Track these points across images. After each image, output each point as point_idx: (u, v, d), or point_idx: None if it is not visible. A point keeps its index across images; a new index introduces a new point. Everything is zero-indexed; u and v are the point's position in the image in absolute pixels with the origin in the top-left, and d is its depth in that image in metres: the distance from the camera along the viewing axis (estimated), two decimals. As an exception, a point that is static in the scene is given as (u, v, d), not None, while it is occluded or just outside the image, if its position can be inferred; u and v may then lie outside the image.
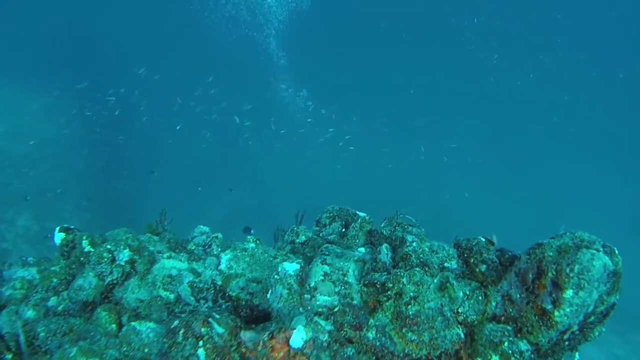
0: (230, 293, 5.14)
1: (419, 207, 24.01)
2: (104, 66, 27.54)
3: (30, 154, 18.28)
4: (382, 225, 5.75)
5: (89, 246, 5.19)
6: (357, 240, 5.51)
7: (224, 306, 5.09)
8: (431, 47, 44.96)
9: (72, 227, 5.67)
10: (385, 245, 4.72)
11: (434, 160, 32.15)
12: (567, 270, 3.64)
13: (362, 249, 4.93)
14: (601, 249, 3.76)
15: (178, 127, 24.90)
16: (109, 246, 5.05)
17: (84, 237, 5.27)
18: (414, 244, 4.72)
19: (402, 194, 27.39)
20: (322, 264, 4.28)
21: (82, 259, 5.19)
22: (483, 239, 4.72)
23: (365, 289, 4.19)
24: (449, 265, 4.58)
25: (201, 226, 6.09)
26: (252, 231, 14.80)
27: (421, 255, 4.55)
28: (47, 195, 17.29)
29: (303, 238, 5.89)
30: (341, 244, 5.54)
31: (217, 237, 5.85)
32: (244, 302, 5.05)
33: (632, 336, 19.18)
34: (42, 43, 25.01)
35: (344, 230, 5.89)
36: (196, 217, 21.57)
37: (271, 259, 5.54)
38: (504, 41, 41.87)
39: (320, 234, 5.96)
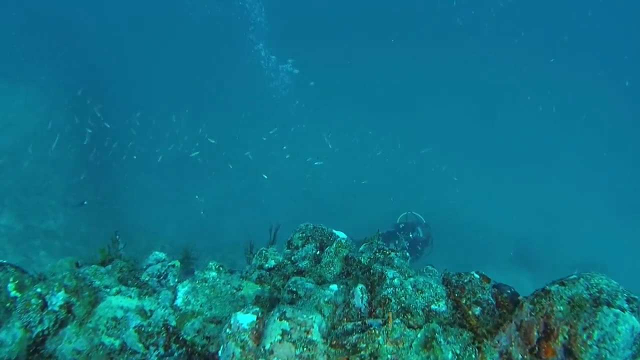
0: (184, 336, 4.27)
1: (409, 194, 23.26)
2: (90, 58, 26.39)
3: (12, 149, 17.28)
4: (361, 248, 4.88)
5: (15, 290, 4.29)
6: (332, 268, 4.64)
7: (176, 354, 4.22)
8: (422, 29, 43.61)
9: (4, 262, 4.73)
10: (360, 287, 3.84)
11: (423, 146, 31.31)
12: (584, 337, 2.78)
13: (335, 287, 4.04)
14: (626, 306, 2.88)
15: (174, 119, 23.98)
16: (39, 289, 4.14)
17: (11, 279, 4.35)
18: (395, 281, 3.86)
19: (392, 181, 26.53)
20: (281, 320, 3.38)
21: (8, 305, 4.28)
22: (477, 275, 3.86)
23: (332, 350, 3.31)
24: (437, 307, 3.72)
25: (157, 252, 5.20)
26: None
27: (403, 299, 3.68)
28: (30, 192, 16.35)
29: (272, 263, 5.03)
30: (313, 272, 4.67)
31: (174, 265, 4.96)
32: (199, 349, 4.19)
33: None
34: (21, 32, 23.78)
35: (318, 252, 5.03)
36: (185, 208, 20.77)
37: (234, 290, 4.68)
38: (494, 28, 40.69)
39: (292, 258, 5.08)
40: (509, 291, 3.79)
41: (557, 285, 3.15)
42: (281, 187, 25.08)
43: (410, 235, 13.20)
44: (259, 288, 4.70)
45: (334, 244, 4.76)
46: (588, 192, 31.40)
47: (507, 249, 21.24)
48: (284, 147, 24.25)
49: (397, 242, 13.20)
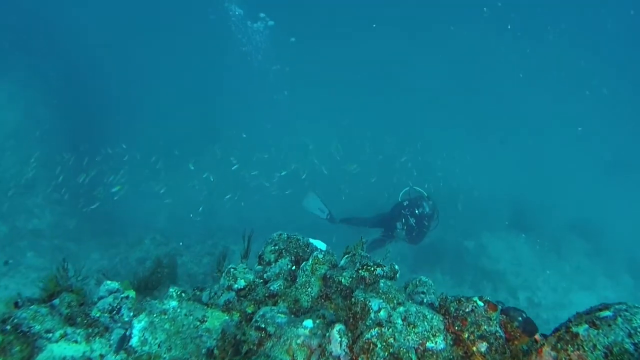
0: (139, 389, 3.51)
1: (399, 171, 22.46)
2: (69, 49, 25.19)
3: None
4: (342, 262, 4.08)
5: None
6: (309, 289, 3.86)
7: (129, 413, 3.46)
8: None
9: None
10: (338, 328, 3.05)
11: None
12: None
13: (309, 324, 3.25)
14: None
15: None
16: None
17: None
18: (382, 313, 3.08)
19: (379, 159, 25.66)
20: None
21: None
22: (481, 303, 3.07)
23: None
24: (433, 345, 2.95)
25: (108, 282, 4.39)
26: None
27: (391, 340, 2.90)
28: (14, 192, 15.47)
29: (242, 283, 4.25)
30: (288, 295, 3.89)
31: (127, 297, 4.15)
32: (156, 404, 3.43)
33: (623, 278, 17.96)
34: None
35: (294, 268, 4.24)
36: (176, 196, 19.94)
37: (198, 323, 3.90)
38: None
39: (264, 276, 4.28)
40: (520, 318, 3.03)
41: (586, 327, 2.37)
42: (271, 168, 24.31)
43: (417, 212, 12.51)
44: (226, 318, 3.92)
45: (310, 260, 3.96)
46: (579, 152, 30.78)
47: (503, 215, 20.55)
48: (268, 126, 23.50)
49: (403, 222, 12.58)
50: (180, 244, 15.30)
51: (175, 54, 35.03)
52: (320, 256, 3.95)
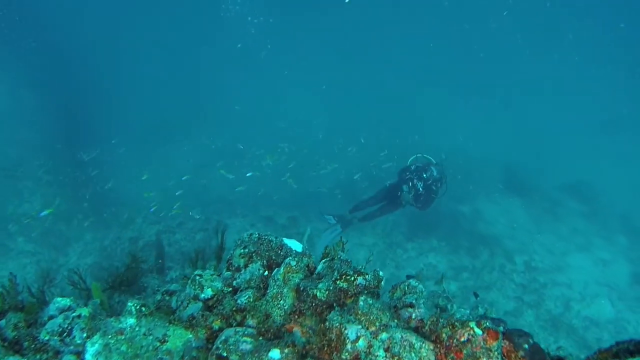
0: None
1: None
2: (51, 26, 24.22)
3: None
4: (319, 268, 3.50)
5: None
6: (280, 302, 3.29)
7: None
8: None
9: None
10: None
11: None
12: None
13: (276, 354, 2.69)
14: None
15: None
16: None
17: None
18: (360, 343, 2.51)
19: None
20: None
21: None
22: (479, 330, 2.50)
23: None
24: (423, 384, 2.38)
25: (58, 299, 3.82)
26: None
27: (371, 381, 2.33)
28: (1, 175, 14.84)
29: (209, 292, 3.70)
30: (257, 310, 3.32)
31: (79, 316, 3.57)
32: None
33: (617, 238, 17.50)
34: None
35: (266, 273, 3.66)
36: (167, 170, 19.31)
37: (158, 343, 3.35)
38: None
39: (234, 283, 3.71)
40: (526, 346, 2.48)
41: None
42: (263, 134, 23.64)
43: (424, 175, 12.02)
44: (190, 336, 3.36)
45: (282, 268, 3.38)
46: (569, 113, 30.05)
47: (497, 179, 19.96)
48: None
49: (410, 185, 12.06)
50: (190, 213, 14.86)
51: (158, 32, 33.79)
52: (293, 263, 3.37)
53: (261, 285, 3.61)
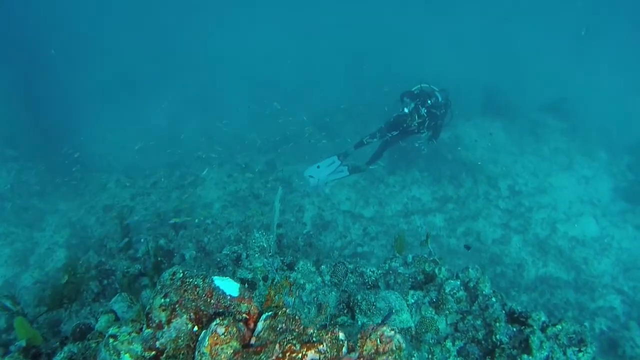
0: None
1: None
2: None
3: None
4: (258, 328, 2.50)
5: None
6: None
7: None
8: None
9: None
10: None
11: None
12: None
13: None
14: None
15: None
16: None
17: None
18: None
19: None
20: None
21: None
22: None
23: None
24: None
25: None
26: None
27: None
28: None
29: (127, 359, 2.69)
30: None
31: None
32: None
33: (598, 154, 16.65)
34: None
35: (195, 329, 2.66)
36: (139, 128, 18.02)
37: None
38: None
39: (157, 345, 2.71)
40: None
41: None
42: (238, 79, 22.15)
43: (429, 102, 11.04)
44: None
45: (207, 339, 2.35)
46: (546, 31, 28.39)
47: (475, 102, 18.80)
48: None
49: (413, 108, 11.07)
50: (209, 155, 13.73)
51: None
52: (221, 332, 2.34)
53: (191, 345, 2.60)
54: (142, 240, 9.35)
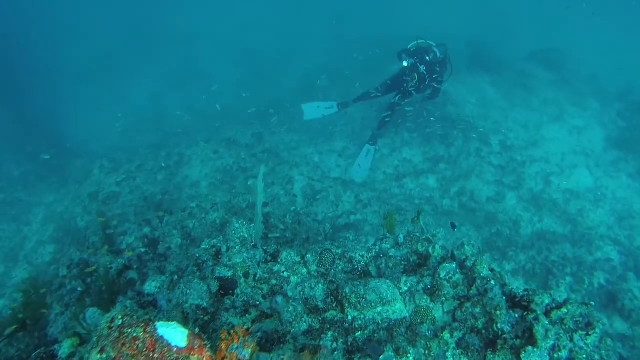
0: None
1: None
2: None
3: None
4: None
5: None
6: None
7: None
8: None
9: None
10: None
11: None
12: None
13: None
14: None
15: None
16: None
17: None
18: None
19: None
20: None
21: None
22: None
23: None
24: None
25: None
26: None
27: None
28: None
29: None
30: None
31: None
32: None
33: (589, 103, 16.05)
34: None
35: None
36: (122, 108, 17.26)
37: None
38: None
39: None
40: None
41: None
42: (219, 48, 21.23)
43: (427, 58, 10.41)
44: None
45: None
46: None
47: (461, 56, 18.00)
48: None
49: (411, 66, 10.51)
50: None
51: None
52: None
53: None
54: (126, 231, 8.86)
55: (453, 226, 6.90)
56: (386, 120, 12.27)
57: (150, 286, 4.69)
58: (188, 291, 4.52)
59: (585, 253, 10.62)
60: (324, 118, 12.95)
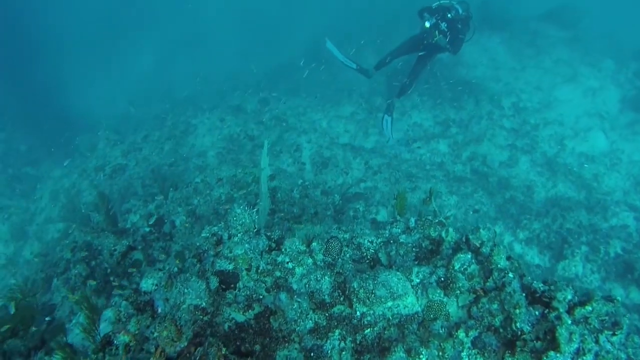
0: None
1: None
2: None
3: None
4: None
5: None
6: None
7: None
8: None
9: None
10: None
11: None
12: None
13: None
14: None
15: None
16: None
17: None
18: None
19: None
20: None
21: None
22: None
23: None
24: None
25: None
26: None
27: None
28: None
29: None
30: None
31: None
32: None
33: (604, 63, 15.18)
34: None
35: None
36: (127, 76, 16.76)
37: None
38: None
39: None
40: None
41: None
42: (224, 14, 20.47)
43: (449, 15, 9.97)
44: None
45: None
46: None
47: (474, 14, 17.03)
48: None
49: (433, 24, 10.01)
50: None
51: None
52: None
53: None
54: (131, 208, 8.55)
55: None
56: (407, 85, 11.77)
57: (147, 283, 4.36)
58: (185, 290, 4.19)
59: (600, 220, 10.16)
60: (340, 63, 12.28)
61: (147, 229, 7.75)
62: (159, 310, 4.01)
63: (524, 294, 4.03)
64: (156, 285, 4.32)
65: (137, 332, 3.47)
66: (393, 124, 11.90)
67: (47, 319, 6.42)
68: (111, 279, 6.75)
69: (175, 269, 4.81)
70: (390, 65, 11.44)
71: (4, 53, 15.06)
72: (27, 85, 14.24)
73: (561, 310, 3.83)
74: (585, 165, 11.84)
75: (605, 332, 3.72)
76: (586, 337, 3.65)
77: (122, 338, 2.99)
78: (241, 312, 4.40)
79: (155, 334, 3.26)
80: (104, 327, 3.55)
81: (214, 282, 4.40)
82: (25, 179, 12.23)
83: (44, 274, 7.72)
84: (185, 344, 3.31)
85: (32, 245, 10.22)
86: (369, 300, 4.29)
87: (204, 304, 4.20)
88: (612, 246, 9.25)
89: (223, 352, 3.26)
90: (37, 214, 11.12)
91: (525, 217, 10.16)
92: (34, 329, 5.02)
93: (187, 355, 3.23)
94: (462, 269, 4.39)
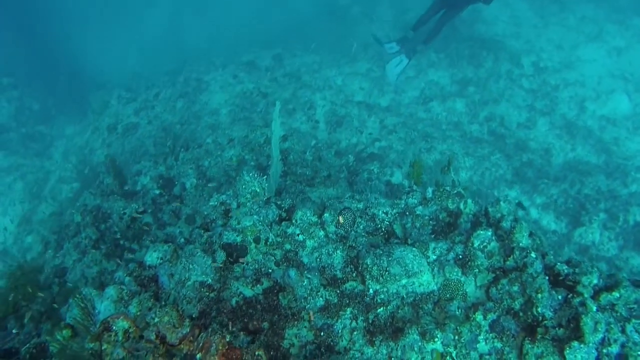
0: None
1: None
2: None
3: None
4: None
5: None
6: None
7: None
8: None
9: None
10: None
11: None
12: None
13: None
14: None
15: None
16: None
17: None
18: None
19: None
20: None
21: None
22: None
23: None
24: None
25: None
26: None
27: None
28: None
29: None
30: None
31: None
32: None
33: (631, 21, 14.28)
34: None
35: None
36: (138, 33, 16.21)
37: None
38: None
39: None
40: None
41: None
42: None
43: None
44: None
45: None
46: None
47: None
48: None
49: None
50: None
51: None
52: None
53: None
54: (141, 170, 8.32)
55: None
56: (434, 33, 11.36)
57: (152, 257, 4.14)
58: (191, 266, 3.97)
59: (620, 185, 9.74)
60: (395, 75, 12.13)
61: (157, 192, 7.53)
62: (164, 287, 3.81)
63: (546, 278, 3.75)
64: (161, 259, 4.11)
65: (138, 313, 3.27)
66: (405, 71, 11.62)
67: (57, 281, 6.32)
68: (121, 242, 6.59)
69: (182, 239, 4.59)
70: (428, 24, 11.16)
71: (16, 11, 14.58)
72: (39, 43, 13.82)
73: (586, 295, 3.55)
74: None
75: (634, 320, 3.44)
76: (612, 326, 3.38)
77: (122, 324, 2.79)
78: (249, 287, 4.19)
79: (156, 319, 3.06)
80: (106, 306, 3.36)
81: (221, 256, 4.17)
82: (39, 137, 12.03)
83: (57, 235, 7.60)
84: (188, 330, 3.11)
85: (47, 203, 10.11)
86: (382, 277, 4.04)
87: (210, 280, 3.98)
88: (632, 214, 8.89)
89: (227, 340, 3.06)
90: (52, 172, 10.97)
91: (543, 182, 9.78)
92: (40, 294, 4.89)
93: (190, 340, 3.04)
94: (481, 246, 4.10)
